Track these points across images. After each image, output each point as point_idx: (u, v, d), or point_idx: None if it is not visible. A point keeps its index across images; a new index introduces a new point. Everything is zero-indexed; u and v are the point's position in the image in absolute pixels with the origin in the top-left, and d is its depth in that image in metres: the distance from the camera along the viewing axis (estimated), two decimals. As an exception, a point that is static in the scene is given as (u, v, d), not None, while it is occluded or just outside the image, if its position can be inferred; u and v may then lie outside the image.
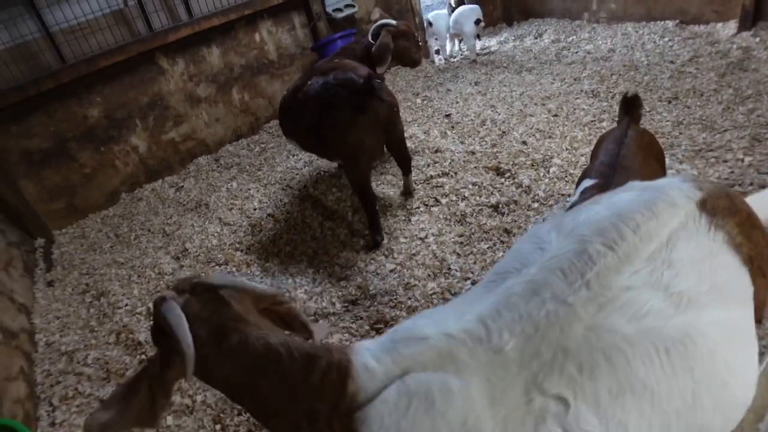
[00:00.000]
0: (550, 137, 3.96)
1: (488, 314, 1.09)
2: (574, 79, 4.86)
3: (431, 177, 3.81)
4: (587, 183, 2.20)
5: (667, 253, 1.10)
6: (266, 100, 5.80)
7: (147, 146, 5.17)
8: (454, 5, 6.43)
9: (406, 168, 3.60)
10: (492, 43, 6.70)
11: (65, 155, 4.84)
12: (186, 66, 5.22)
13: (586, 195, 2.13)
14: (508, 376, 1.03)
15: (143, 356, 2.95)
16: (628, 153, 2.23)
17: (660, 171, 2.31)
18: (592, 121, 4.05)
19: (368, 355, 1.13)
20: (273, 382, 1.14)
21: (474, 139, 4.20)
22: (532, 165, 3.63)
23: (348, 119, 3.03)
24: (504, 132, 4.20)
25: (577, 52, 5.53)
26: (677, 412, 1.03)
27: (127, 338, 3.11)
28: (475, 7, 6.05)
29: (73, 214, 4.96)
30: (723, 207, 1.18)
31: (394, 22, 3.85)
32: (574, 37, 5.98)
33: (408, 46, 3.95)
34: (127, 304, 3.41)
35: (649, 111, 3.92)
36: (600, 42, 5.58)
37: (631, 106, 2.45)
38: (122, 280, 3.70)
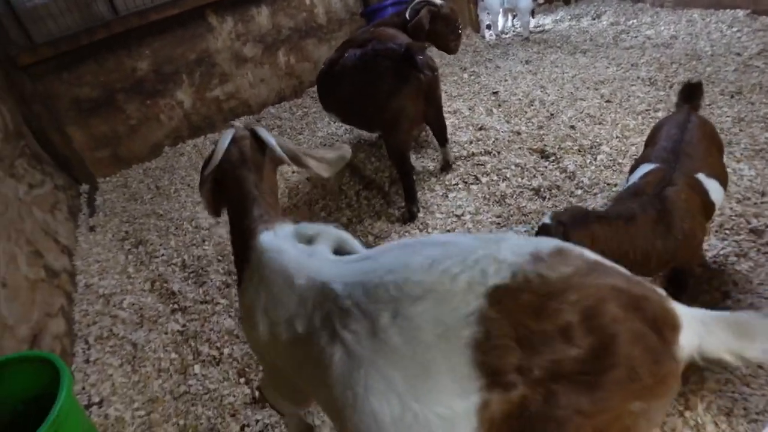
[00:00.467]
0: (600, 123, 3.81)
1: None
2: (631, 65, 4.64)
3: (473, 154, 3.73)
4: (648, 167, 2.11)
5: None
6: (312, 64, 5.77)
7: (192, 102, 5.23)
8: None
9: (442, 139, 3.56)
10: (547, 21, 6.46)
11: (113, 105, 4.94)
12: (234, 24, 5.21)
13: (648, 178, 2.06)
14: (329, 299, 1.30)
15: (175, 305, 3.03)
16: (691, 140, 2.12)
17: (721, 162, 2.20)
18: (646, 110, 3.86)
19: (274, 234, 1.57)
20: (234, 198, 1.73)
21: (520, 119, 4.08)
22: (579, 151, 3.51)
23: (389, 88, 3.01)
24: (552, 114, 4.06)
25: (636, 37, 5.27)
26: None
27: (162, 287, 3.20)
28: (534, -18, 5.82)
29: (117, 164, 5.09)
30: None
31: (439, 1, 3.65)
32: (635, 20, 5.69)
33: (445, 32, 3.75)
34: (163, 254, 3.50)
35: (709, 104, 3.72)
36: (662, 27, 5.29)
37: (692, 95, 2.34)
38: (160, 231, 3.79)
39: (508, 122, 4.09)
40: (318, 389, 1.32)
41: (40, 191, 3.91)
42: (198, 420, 2.31)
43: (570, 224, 1.81)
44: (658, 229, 1.91)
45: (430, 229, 3.12)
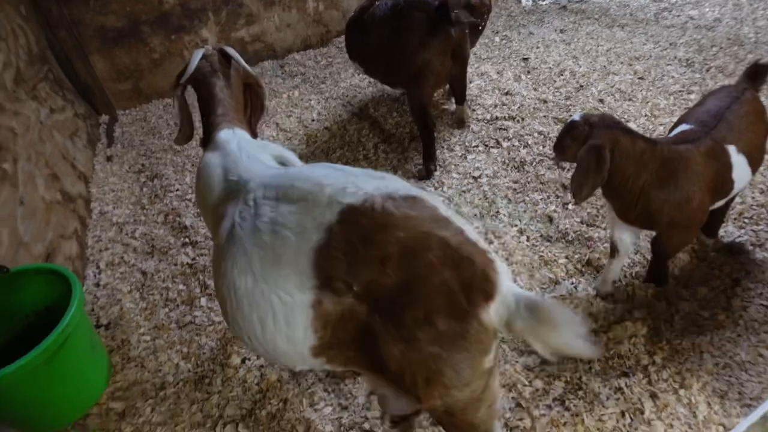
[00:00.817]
0: (630, 100, 3.71)
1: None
2: (670, 44, 4.48)
3: (496, 118, 3.67)
4: (684, 127, 2.10)
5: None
6: (341, 13, 5.62)
7: (216, 41, 5.15)
8: None
9: (461, 97, 3.56)
10: (587, -9, 6.22)
11: (137, 37, 4.88)
12: (266, -36, 5.08)
13: (679, 136, 2.05)
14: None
15: (186, 239, 3.07)
16: (739, 110, 2.06)
17: (761, 145, 2.12)
18: (679, 91, 3.75)
19: (233, 132, 1.86)
20: (204, 99, 2.01)
21: (548, 88, 3.99)
22: (605, 125, 3.43)
23: (418, 41, 2.95)
24: (582, 86, 3.96)
25: (678, 16, 5.06)
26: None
27: (174, 220, 3.24)
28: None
29: (137, 97, 5.07)
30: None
31: None
32: (679, -2, 5.46)
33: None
34: (178, 189, 3.53)
35: (746, 90, 3.60)
36: (707, 9, 5.08)
37: (757, 75, 2.21)
38: (176, 166, 3.81)
39: (535, 89, 3.99)
40: (213, 262, 1.60)
41: (60, 117, 3.92)
42: (201, 349, 2.37)
43: (598, 125, 1.89)
44: (661, 174, 1.93)
45: (445, 188, 3.10)
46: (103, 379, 1.88)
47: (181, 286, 2.75)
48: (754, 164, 2.11)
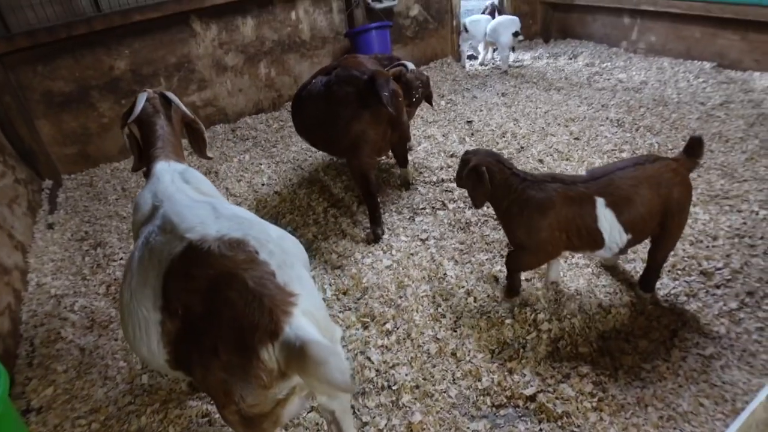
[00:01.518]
0: (567, 159, 3.92)
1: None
2: (602, 106, 4.81)
3: (442, 180, 3.79)
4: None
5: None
6: (292, 78, 5.79)
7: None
8: (488, 13, 6.42)
9: (404, 161, 3.72)
10: (526, 57, 6.65)
11: (85, 102, 4.86)
12: (219, 32, 5.22)
13: (558, 176, 2.40)
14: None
15: (130, 312, 2.96)
16: (631, 173, 2.28)
17: (647, 208, 2.26)
18: (612, 150, 4.00)
19: (168, 165, 2.16)
20: (146, 136, 2.32)
21: (491, 149, 4.16)
22: (546, 184, 3.60)
23: (351, 113, 3.05)
24: (522, 147, 4.16)
25: (609, 79, 5.48)
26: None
27: (117, 291, 3.12)
28: (515, 18, 6.00)
29: (84, 161, 4.98)
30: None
31: (410, 66, 3.53)
32: (609, 63, 5.91)
33: (404, 94, 3.38)
34: (122, 258, 3.42)
35: (671, 149, 3.87)
36: (634, 72, 5.52)
37: (692, 147, 2.36)
38: (121, 233, 3.71)
39: (479, 151, 4.17)
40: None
41: (0, 183, 3.79)
42: None
43: (478, 153, 2.48)
44: (520, 202, 2.35)
45: (393, 251, 3.14)
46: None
47: (121, 363, 2.62)
48: (632, 227, 2.28)
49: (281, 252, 1.55)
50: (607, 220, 2.26)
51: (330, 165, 4.30)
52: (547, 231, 2.31)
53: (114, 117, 4.98)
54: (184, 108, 2.46)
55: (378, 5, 5.74)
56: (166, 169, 2.10)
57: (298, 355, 1.27)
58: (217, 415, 2.27)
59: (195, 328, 1.45)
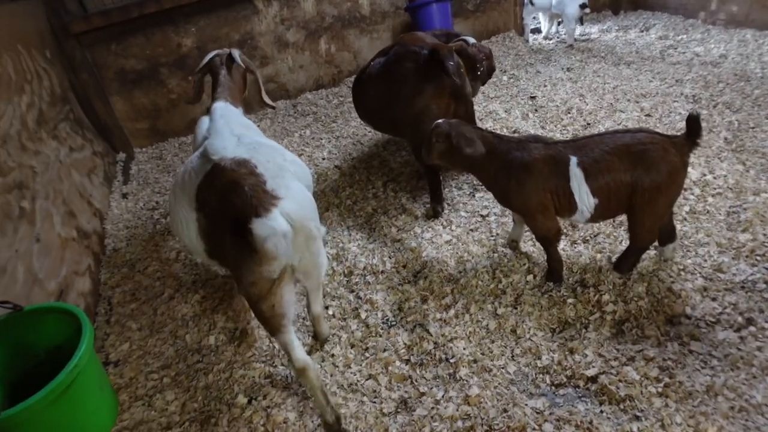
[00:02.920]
0: (637, 137, 3.73)
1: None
2: (676, 81, 4.53)
3: (504, 157, 3.70)
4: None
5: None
6: (352, 54, 5.80)
7: (231, 82, 5.32)
8: None
9: None
10: (593, 30, 6.35)
11: (155, 79, 5.07)
12: (280, 9, 5.27)
13: (540, 137, 2.46)
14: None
15: (197, 277, 3.11)
16: (609, 140, 2.28)
17: (620, 179, 2.24)
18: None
19: (225, 105, 2.73)
20: (213, 82, 3.00)
21: (556, 126, 4.03)
22: (613, 162, 3.45)
23: (413, 88, 3.02)
24: (589, 124, 4.00)
25: (684, 53, 5.14)
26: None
27: (186, 257, 3.28)
28: (583, -11, 5.71)
29: (154, 135, 5.22)
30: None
31: (471, 40, 3.41)
32: (685, 36, 5.54)
33: (466, 69, 3.28)
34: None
35: (753, 128, 3.60)
36: (712, 45, 5.15)
37: (689, 126, 2.23)
38: (189, 204, 3.88)
39: (543, 128, 4.04)
40: None
41: (79, 155, 4.04)
42: (208, 389, 2.37)
43: (443, 125, 2.47)
44: (500, 174, 2.42)
45: (453, 227, 3.11)
46: (111, 418, 1.88)
47: (190, 324, 2.77)
48: (598, 192, 2.27)
49: (277, 169, 2.03)
50: (576, 179, 2.28)
51: (390, 140, 4.30)
52: (537, 193, 2.36)
53: (181, 93, 5.17)
54: (240, 62, 3.05)
55: (440, -22, 5.61)
56: (220, 107, 2.62)
57: (259, 238, 1.76)
58: (279, 377, 2.36)
59: (215, 221, 1.99)
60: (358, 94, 3.63)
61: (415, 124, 3.07)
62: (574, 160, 2.28)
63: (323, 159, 4.19)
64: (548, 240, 2.52)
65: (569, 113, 4.22)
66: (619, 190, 2.26)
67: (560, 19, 6.17)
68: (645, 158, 2.18)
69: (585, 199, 2.30)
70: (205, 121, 2.57)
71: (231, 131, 2.34)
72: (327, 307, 2.70)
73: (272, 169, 2.00)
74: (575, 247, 2.78)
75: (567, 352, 2.22)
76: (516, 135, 2.52)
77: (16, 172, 2.84)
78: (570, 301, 2.45)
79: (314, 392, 2.01)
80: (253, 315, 2.75)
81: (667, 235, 2.51)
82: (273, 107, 3.26)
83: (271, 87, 5.53)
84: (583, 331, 2.31)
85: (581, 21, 5.90)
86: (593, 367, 2.14)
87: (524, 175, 2.33)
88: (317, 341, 2.52)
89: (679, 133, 2.28)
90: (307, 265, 2.00)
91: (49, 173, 3.28)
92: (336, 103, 5.29)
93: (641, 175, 2.20)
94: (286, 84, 5.61)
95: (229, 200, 1.87)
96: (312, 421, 2.13)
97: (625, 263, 2.52)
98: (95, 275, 3.23)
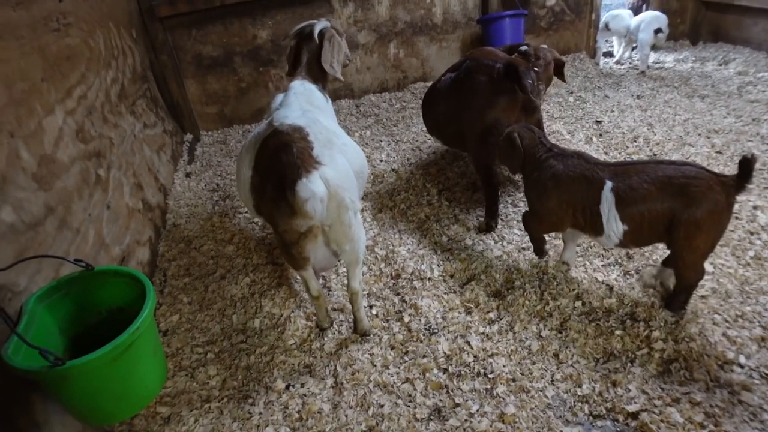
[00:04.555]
0: (705, 173, 3.60)
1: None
2: (753, 120, 4.34)
3: (562, 178, 3.65)
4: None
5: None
6: (419, 61, 5.85)
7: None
8: (630, 8, 6.01)
9: None
10: (668, 58, 6.15)
11: (228, 67, 5.27)
12: (355, 10, 5.38)
13: (585, 155, 2.51)
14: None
15: (248, 260, 3.21)
16: (651, 170, 2.25)
17: (653, 215, 2.24)
18: (759, 169, 3.60)
19: (302, 83, 2.85)
20: (294, 56, 3.11)
21: (620, 153, 3.94)
22: (677, 197, 3.34)
23: (484, 101, 3.02)
24: (655, 154, 3.89)
25: (764, 91, 4.90)
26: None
27: (240, 240, 3.40)
28: (661, 15, 5.55)
29: (220, 121, 5.43)
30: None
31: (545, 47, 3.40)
32: (766, 74, 5.29)
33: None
34: (247, 212, 3.71)
35: (835, 177, 3.41)
36: (796, 86, 4.90)
37: (741, 168, 2.12)
38: (248, 189, 4.02)
39: (606, 153, 3.96)
40: None
41: (151, 132, 4.26)
42: (248, 370, 2.45)
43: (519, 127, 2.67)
44: (534, 175, 2.58)
45: (505, 243, 3.09)
46: (159, 383, 1.97)
47: (238, 305, 2.87)
48: (628, 219, 2.28)
49: (326, 141, 2.22)
50: (606, 203, 2.31)
51: (448, 150, 4.31)
52: (555, 201, 2.48)
53: (251, 83, 5.36)
54: (316, 38, 3.04)
55: (515, -7, 5.59)
56: (296, 86, 2.75)
57: (298, 195, 1.95)
58: (318, 368, 2.41)
59: (263, 177, 2.18)
60: (427, 107, 3.66)
61: (483, 136, 3.07)
62: (609, 184, 2.30)
63: (381, 161, 4.25)
64: (529, 233, 2.83)
65: (635, 142, 4.11)
66: (655, 221, 2.24)
67: (635, 45, 6.02)
68: (686, 192, 2.14)
69: (613, 224, 2.32)
70: (279, 97, 2.72)
71: (299, 106, 2.54)
72: (371, 307, 2.74)
73: (322, 140, 2.20)
74: (628, 279, 2.72)
75: (609, 384, 2.17)
76: (564, 147, 2.59)
77: (96, 141, 3.03)
78: (618, 332, 2.40)
79: (320, 309, 2.56)
80: (297, 305, 2.83)
81: (680, 301, 2.47)
82: (341, 80, 3.25)
83: (337, 85, 5.65)
84: (629, 365, 2.25)
85: (654, 48, 5.73)
86: (635, 402, 2.08)
87: (551, 182, 2.47)
88: (356, 332, 2.57)
89: (728, 174, 2.20)
90: (338, 234, 2.20)
91: (124, 145, 3.47)
92: (398, 108, 5.35)
93: (680, 209, 2.16)
94: (352, 84, 5.71)
95: (278, 158, 2.08)
96: (345, 416, 2.17)
97: (675, 301, 2.46)
98: (154, 247, 3.40)
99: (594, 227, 2.40)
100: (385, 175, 4.01)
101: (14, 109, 2.19)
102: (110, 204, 2.94)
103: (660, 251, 2.87)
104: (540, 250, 2.85)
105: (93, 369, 1.64)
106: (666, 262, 2.57)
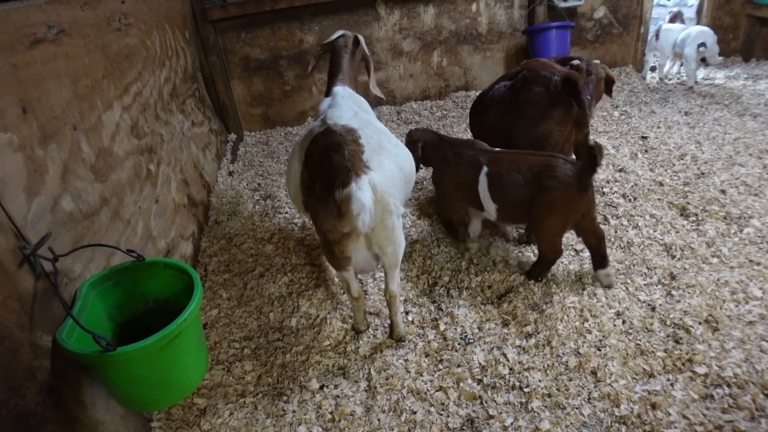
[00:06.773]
0: (756, 195, 3.47)
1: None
2: (809, 142, 4.17)
3: (605, 194, 3.58)
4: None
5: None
6: (462, 69, 5.85)
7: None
8: (671, 21, 5.86)
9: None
10: (719, 75, 5.97)
11: (274, 69, 5.39)
12: (400, 18, 5.43)
13: (481, 142, 3.06)
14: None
15: (287, 260, 3.27)
16: (516, 156, 2.78)
17: (520, 199, 2.70)
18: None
19: (343, 88, 2.80)
20: (333, 64, 3.05)
21: (666, 170, 3.85)
22: (725, 218, 3.23)
23: (539, 113, 3.01)
24: (703, 173, 3.78)
25: (822, 113, 4.71)
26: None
27: (279, 240, 3.46)
28: (707, 30, 5.37)
29: (264, 122, 5.55)
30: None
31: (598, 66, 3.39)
32: (825, 94, 5.09)
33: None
34: (287, 213, 3.78)
35: None
36: None
37: (589, 157, 2.44)
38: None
39: (651, 170, 3.87)
40: None
41: (198, 130, 4.38)
42: (284, 368, 2.49)
43: (416, 132, 3.30)
44: (442, 159, 3.10)
45: (543, 256, 3.06)
46: (200, 375, 2.02)
47: (275, 304, 2.92)
48: (497, 199, 2.76)
49: (377, 145, 2.25)
50: (482, 185, 2.78)
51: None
52: (446, 183, 3.04)
53: (296, 86, 5.46)
54: (365, 47, 3.18)
55: (562, 4, 5.53)
56: (340, 91, 2.77)
57: (347, 201, 1.97)
58: (352, 370, 2.43)
59: (313, 174, 2.22)
60: (476, 114, 3.64)
61: (531, 148, 3.05)
62: (485, 169, 2.76)
63: (421, 167, 4.25)
64: (440, 215, 3.43)
65: (682, 159, 4.00)
66: (517, 201, 2.69)
67: (683, 60, 5.86)
68: (542, 178, 2.57)
69: (488, 203, 2.79)
70: (326, 101, 2.75)
71: (351, 107, 2.60)
72: (407, 313, 2.75)
73: (373, 144, 2.24)
74: (670, 299, 2.65)
75: (649, 406, 2.12)
76: (462, 139, 3.14)
77: (148, 137, 3.14)
78: (659, 354, 2.34)
79: (358, 311, 2.60)
80: (333, 306, 2.86)
81: (599, 260, 2.73)
82: (382, 98, 3.39)
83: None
84: (670, 387, 2.19)
85: (704, 62, 5.56)
86: (675, 427, 2.03)
87: (444, 167, 3.04)
88: (392, 337, 2.58)
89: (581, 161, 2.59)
90: (380, 237, 2.22)
91: (173, 142, 3.59)
92: (439, 116, 5.35)
93: (537, 193, 2.59)
94: (394, 91, 5.75)
95: (329, 157, 2.11)
96: (378, 420, 2.18)
97: (533, 270, 2.87)
98: (197, 242, 3.49)
99: (476, 203, 2.86)
100: (424, 182, 4.02)
101: (78, 104, 2.30)
102: (158, 198, 3.04)
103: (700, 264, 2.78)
104: (454, 232, 3.23)
105: (141, 356, 1.70)
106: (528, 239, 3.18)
